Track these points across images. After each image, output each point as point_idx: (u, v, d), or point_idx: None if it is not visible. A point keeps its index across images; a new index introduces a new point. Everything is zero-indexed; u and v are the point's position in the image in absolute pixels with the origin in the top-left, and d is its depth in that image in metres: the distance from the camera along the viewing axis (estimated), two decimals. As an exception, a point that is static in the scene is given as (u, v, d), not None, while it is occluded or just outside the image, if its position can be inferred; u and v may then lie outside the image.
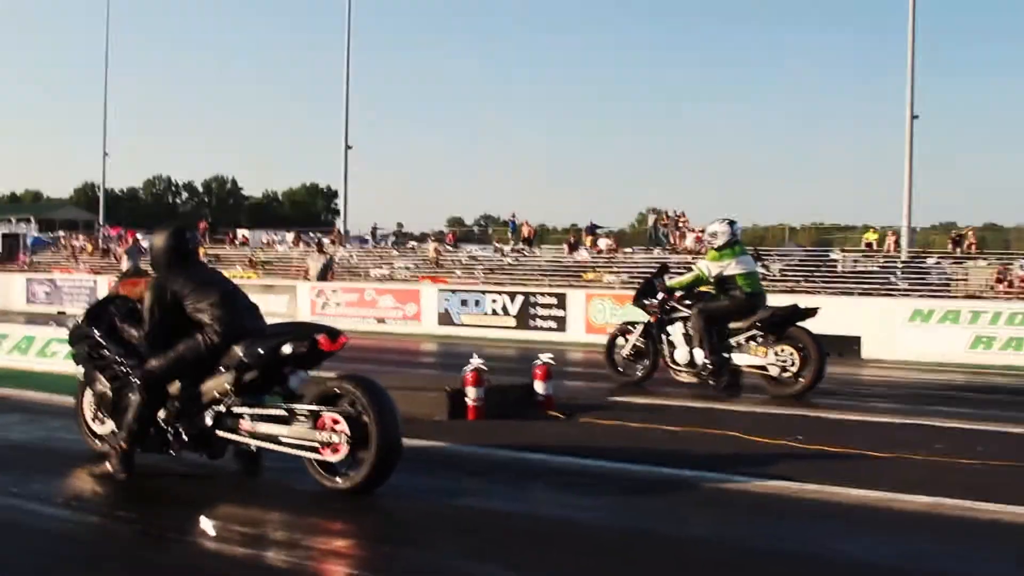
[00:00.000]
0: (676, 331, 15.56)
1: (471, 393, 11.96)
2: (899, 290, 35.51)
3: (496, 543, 6.95)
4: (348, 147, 57.33)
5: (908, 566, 6.49)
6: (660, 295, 15.86)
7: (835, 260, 42.72)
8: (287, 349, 8.32)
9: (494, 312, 29.87)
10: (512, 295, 30.14)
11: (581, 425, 11.77)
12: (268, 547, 6.73)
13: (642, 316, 16.29)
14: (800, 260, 42.87)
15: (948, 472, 9.24)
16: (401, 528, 7.62)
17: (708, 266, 15.43)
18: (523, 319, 29.29)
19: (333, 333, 8.46)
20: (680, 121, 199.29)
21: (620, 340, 16.48)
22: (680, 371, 15.50)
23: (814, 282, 37.48)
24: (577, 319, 28.27)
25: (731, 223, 15.56)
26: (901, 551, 6.86)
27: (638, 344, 16.13)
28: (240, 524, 7.28)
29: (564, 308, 28.67)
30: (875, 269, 40.53)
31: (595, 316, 27.72)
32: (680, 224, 48.12)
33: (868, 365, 21.41)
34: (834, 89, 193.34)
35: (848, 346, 22.45)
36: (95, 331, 9.25)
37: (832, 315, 21.82)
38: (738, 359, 15.13)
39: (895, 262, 40.43)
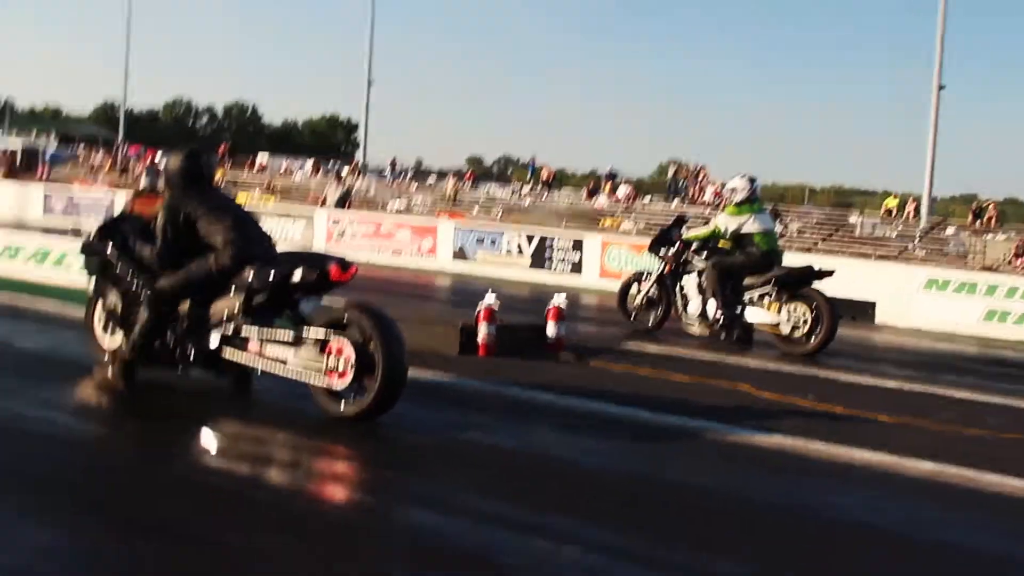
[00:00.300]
0: (690, 283, 15.51)
1: (483, 329, 11.93)
2: (916, 258, 35.43)
3: (499, 479, 6.94)
4: (370, 82, 57.25)
5: (910, 531, 6.47)
6: (676, 246, 15.78)
7: (853, 223, 42.64)
8: (297, 276, 8.30)
9: (509, 252, 29.79)
10: (529, 236, 30.07)
11: (591, 368, 11.75)
12: (271, 467, 6.74)
13: (657, 265, 16.23)
14: (818, 221, 42.82)
15: (955, 441, 9.20)
16: (405, 457, 7.61)
17: (726, 221, 15.35)
18: (538, 260, 29.21)
19: (344, 263, 8.44)
20: (706, 75, 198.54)
21: (634, 287, 16.44)
22: (692, 323, 15.46)
23: (831, 244, 37.42)
24: (592, 264, 28.17)
25: (751, 180, 15.48)
26: (904, 516, 6.84)
27: (651, 293, 16.08)
28: (244, 443, 7.30)
29: (580, 252, 28.59)
30: (893, 236, 40.45)
31: (610, 262, 27.64)
32: (700, 177, 48.02)
33: (881, 330, 21.33)
34: (864, 55, 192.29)
35: (862, 310, 22.37)
36: (108, 245, 9.23)
37: (848, 279, 21.73)
38: (750, 315, 15.08)
39: (913, 230, 40.33)
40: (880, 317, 22.59)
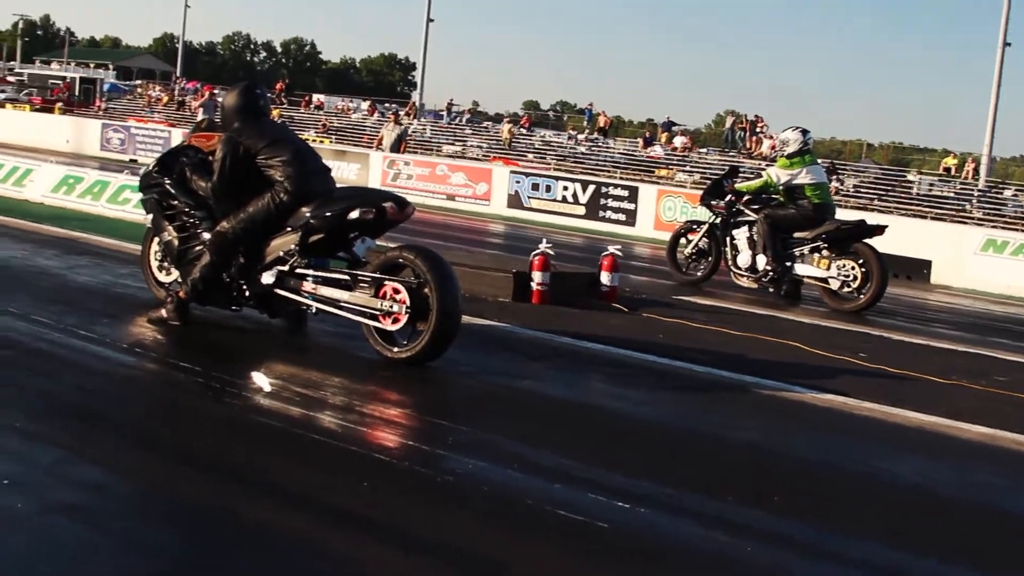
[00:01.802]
0: (741, 235, 15.49)
1: (537, 277, 11.93)
2: (973, 218, 35.09)
3: (550, 429, 6.94)
4: (430, 20, 57.01)
5: (959, 495, 6.42)
6: (728, 197, 15.74)
7: (911, 181, 42.20)
8: (354, 214, 8.28)
9: (564, 199, 29.79)
10: (584, 184, 30.04)
11: (643, 319, 11.73)
12: (323, 409, 6.75)
13: (708, 216, 16.21)
14: (875, 178, 42.40)
15: (1008, 405, 9.10)
16: (457, 404, 7.65)
17: (777, 173, 15.30)
18: (593, 209, 29.21)
19: (401, 202, 8.44)
20: (766, 28, 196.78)
21: (683, 239, 16.45)
22: (741, 275, 15.45)
23: (888, 202, 37.09)
24: (647, 214, 28.16)
25: (804, 132, 15.42)
26: (954, 479, 6.80)
27: (701, 244, 16.08)
28: (297, 384, 7.31)
29: (635, 202, 28.56)
30: (951, 195, 40.03)
31: (665, 213, 27.58)
32: (758, 129, 47.63)
33: (936, 290, 21.21)
34: (928, 9, 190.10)
35: (918, 269, 22.24)
36: (165, 180, 9.25)
37: (904, 237, 21.66)
38: (800, 269, 15.04)
39: (972, 190, 39.89)
40: (935, 277, 22.45)
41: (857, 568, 4.98)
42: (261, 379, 7.40)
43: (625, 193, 29.00)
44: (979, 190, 39.55)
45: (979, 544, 5.50)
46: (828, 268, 14.75)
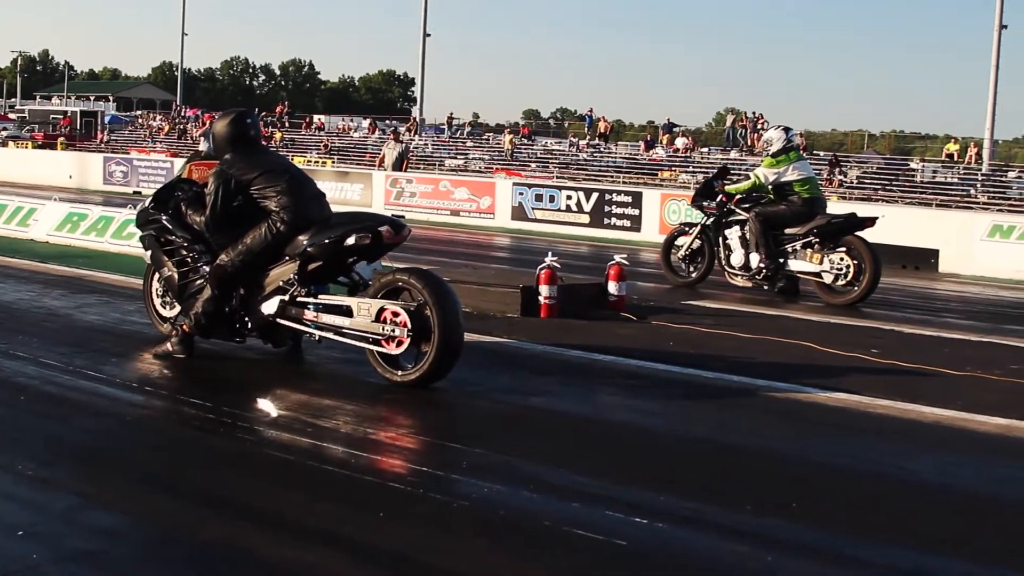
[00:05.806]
0: (733, 234, 15.57)
1: (544, 291, 11.89)
2: (978, 203, 35.03)
3: (563, 446, 6.90)
4: (426, 35, 57.13)
5: (982, 491, 6.35)
6: (719, 198, 15.78)
7: (914, 170, 42.18)
8: (351, 240, 8.30)
9: (568, 208, 29.73)
10: (587, 192, 29.99)
11: (652, 328, 11.69)
12: (335, 439, 6.73)
13: (701, 217, 16.26)
14: (878, 168, 42.36)
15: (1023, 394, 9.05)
16: (469, 426, 7.59)
17: (764, 173, 15.38)
18: (597, 217, 29.13)
19: (397, 225, 8.46)
20: (761, 23, 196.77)
21: (677, 241, 16.49)
22: (735, 274, 15.51)
23: (892, 191, 37.05)
24: (652, 219, 28.06)
25: (786, 129, 15.58)
26: (975, 473, 6.73)
27: (694, 245, 16.12)
28: (307, 414, 7.28)
29: (639, 207, 28.47)
30: (955, 181, 40.01)
31: (669, 216, 27.50)
32: (759, 126, 47.60)
33: (945, 279, 21.06)
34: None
35: (925, 259, 22.07)
36: (162, 215, 9.26)
37: (910, 227, 21.55)
38: (793, 265, 15.10)
39: (975, 174, 39.83)
40: (943, 265, 22.28)
41: (883, 573, 4.94)
42: (271, 411, 7.38)
43: (629, 199, 28.91)
44: (983, 174, 39.50)
45: (1008, 542, 5.43)
46: (821, 263, 14.78)
